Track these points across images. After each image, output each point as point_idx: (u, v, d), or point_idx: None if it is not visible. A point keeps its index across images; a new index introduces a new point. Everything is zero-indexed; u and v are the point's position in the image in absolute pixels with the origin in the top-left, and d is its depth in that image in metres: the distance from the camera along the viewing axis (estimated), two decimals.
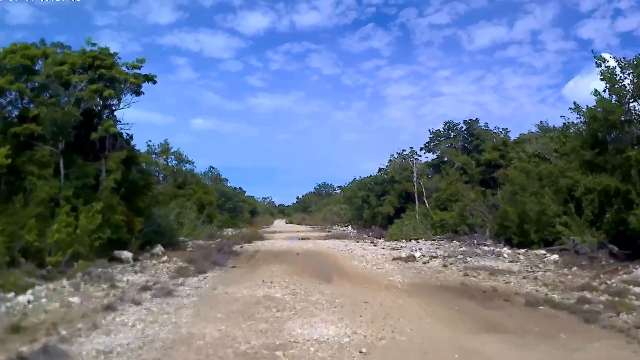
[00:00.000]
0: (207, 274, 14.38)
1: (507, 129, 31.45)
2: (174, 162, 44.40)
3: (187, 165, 44.91)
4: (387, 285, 12.22)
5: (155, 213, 24.87)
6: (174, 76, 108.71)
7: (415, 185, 38.70)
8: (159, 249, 20.24)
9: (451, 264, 16.11)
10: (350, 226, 48.89)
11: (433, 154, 38.98)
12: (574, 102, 20.12)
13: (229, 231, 42.64)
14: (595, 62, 17.98)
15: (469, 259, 17.12)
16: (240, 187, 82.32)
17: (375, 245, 24.38)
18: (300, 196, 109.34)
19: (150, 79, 21.27)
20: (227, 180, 66.28)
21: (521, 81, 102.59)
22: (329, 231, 43.60)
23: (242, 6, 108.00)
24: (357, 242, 27.32)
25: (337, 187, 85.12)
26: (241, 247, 25.60)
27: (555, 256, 16.19)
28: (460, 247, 21.54)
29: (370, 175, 50.49)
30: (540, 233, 19.70)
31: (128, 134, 21.53)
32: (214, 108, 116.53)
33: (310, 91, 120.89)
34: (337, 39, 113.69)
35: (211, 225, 37.75)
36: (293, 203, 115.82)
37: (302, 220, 77.44)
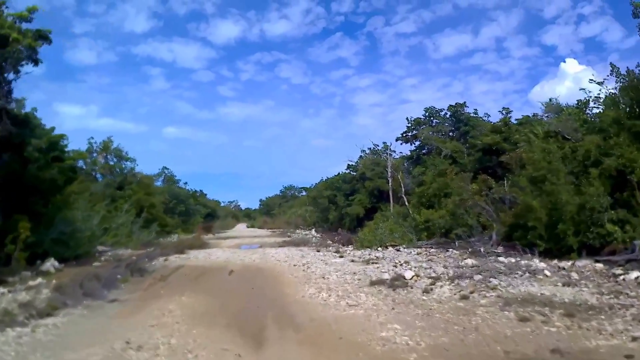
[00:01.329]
0: (45, 320, 8.24)
1: (508, 108, 25.53)
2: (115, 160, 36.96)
3: (128, 163, 37.25)
4: None
5: (66, 217, 18.62)
6: (147, 86, 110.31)
7: (390, 181, 32.45)
8: (50, 264, 15.41)
9: (472, 292, 9.61)
10: (314, 229, 42.25)
11: (411, 144, 32.76)
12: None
13: (175, 237, 35.60)
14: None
15: (493, 280, 10.73)
16: (201, 190, 75.11)
17: (341, 256, 17.75)
18: (264, 199, 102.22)
19: (43, 36, 15.25)
20: (185, 182, 59.21)
21: (487, 87, 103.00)
22: (290, 236, 36.91)
23: (214, 14, 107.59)
24: (318, 251, 20.66)
25: (301, 187, 78.32)
26: (165, 259, 18.89)
27: (636, 273, 9.93)
28: (464, 258, 15.14)
29: (339, 173, 44.02)
30: (582, 236, 13.56)
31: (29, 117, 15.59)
32: (185, 117, 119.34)
33: (279, 100, 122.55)
34: (306, 49, 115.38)
35: (148, 231, 30.50)
36: (259, 207, 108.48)
37: (263, 224, 70.42)
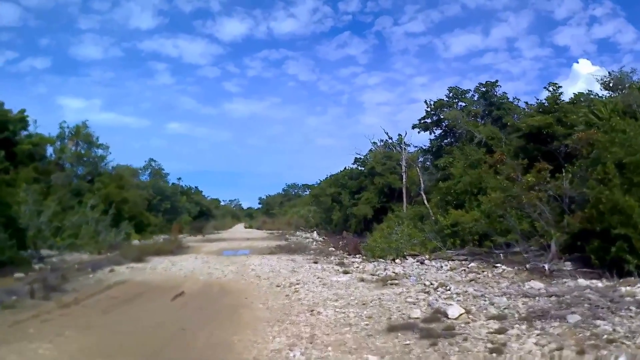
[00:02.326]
0: None
1: (556, 83, 20.38)
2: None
3: (100, 150, 32.16)
4: None
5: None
6: (152, 81, 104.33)
7: (404, 177, 27.60)
8: None
9: (581, 351, 4.76)
10: (315, 232, 37.31)
11: (431, 133, 27.65)
12: None
13: (161, 238, 30.97)
14: None
15: (601, 323, 5.94)
16: (196, 187, 70.52)
17: (346, 272, 12.77)
18: (264, 197, 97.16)
19: None
20: (179, 178, 54.58)
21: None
22: (287, 239, 32.10)
23: (220, 12, 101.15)
24: (316, 262, 15.71)
25: (304, 185, 73.09)
26: (110, 270, 14.11)
27: None
28: (525, 279, 10.25)
29: (345, 168, 39.04)
30: None
31: None
32: (188, 112, 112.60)
33: (286, 97, 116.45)
34: (314, 46, 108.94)
35: (117, 231, 25.67)
36: (259, 208, 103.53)
37: (262, 224, 65.28)
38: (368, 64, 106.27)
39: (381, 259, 16.02)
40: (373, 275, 11.98)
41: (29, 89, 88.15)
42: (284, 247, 23.52)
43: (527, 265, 12.09)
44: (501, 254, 14.48)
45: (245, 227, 67.64)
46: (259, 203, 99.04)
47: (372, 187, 32.15)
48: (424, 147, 29.43)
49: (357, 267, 13.89)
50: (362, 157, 36.09)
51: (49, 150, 28.53)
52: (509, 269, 12.06)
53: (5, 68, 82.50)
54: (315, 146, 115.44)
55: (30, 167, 22.20)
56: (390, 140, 32.94)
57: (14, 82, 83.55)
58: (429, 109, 27.12)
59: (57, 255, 18.43)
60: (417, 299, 8.55)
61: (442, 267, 13.17)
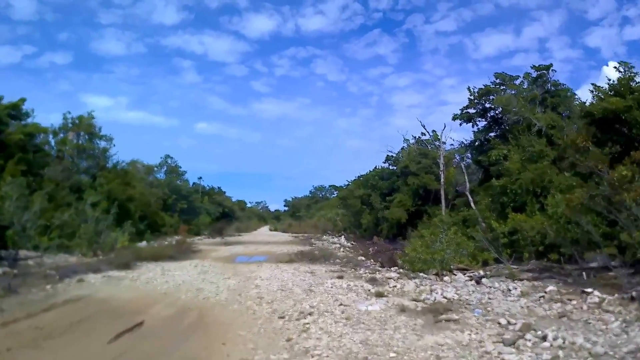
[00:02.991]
0: None
1: (627, 62, 16.61)
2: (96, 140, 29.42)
3: (103, 143, 29.25)
4: None
5: None
6: (179, 79, 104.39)
7: (442, 177, 24.15)
8: None
9: None
10: (343, 236, 33.95)
11: (474, 125, 24.04)
12: None
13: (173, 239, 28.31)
14: None
15: None
16: (219, 187, 68.17)
17: (380, 295, 9.35)
18: (290, 199, 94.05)
19: None
20: (200, 178, 52.21)
21: None
22: (311, 244, 28.97)
23: (247, 8, 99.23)
24: (341, 277, 12.41)
25: (331, 186, 69.51)
26: (79, 280, 11.44)
27: None
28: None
29: (375, 168, 35.54)
30: None
31: None
32: (218, 112, 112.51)
33: (315, 98, 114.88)
34: (343, 45, 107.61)
35: (120, 231, 22.90)
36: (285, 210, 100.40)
37: (288, 227, 62.26)
38: (398, 64, 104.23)
39: (422, 273, 12.69)
40: (417, 301, 8.66)
41: (51, 86, 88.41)
42: (307, 253, 20.34)
43: (633, 293, 8.57)
44: (584, 272, 10.96)
45: (270, 230, 64.82)
46: (285, 205, 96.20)
47: (405, 188, 28.72)
48: (466, 143, 25.83)
49: (394, 286, 10.55)
50: (395, 154, 32.70)
51: (52, 142, 26.18)
52: (609, 297, 8.55)
53: (23, 63, 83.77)
54: (344, 148, 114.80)
55: (16, 157, 19.60)
56: (425, 137, 29.50)
57: (35, 78, 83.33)
58: (472, 97, 23.48)
59: (38, 257, 15.84)
60: (493, 354, 5.25)
61: (509, 289, 9.71)
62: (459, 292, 9.44)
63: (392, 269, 13.94)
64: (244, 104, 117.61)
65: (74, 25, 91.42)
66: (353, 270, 14.04)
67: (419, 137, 29.92)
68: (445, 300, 8.65)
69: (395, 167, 32.38)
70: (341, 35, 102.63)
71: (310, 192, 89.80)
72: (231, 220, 64.64)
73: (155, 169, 39.83)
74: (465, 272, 13.18)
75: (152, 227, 31.16)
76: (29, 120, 23.26)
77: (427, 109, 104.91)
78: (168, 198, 35.27)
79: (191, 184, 44.93)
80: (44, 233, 17.88)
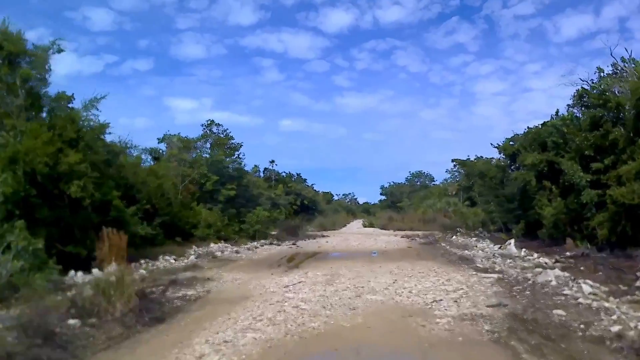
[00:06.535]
0: None
1: None
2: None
3: None
4: None
5: None
6: (260, 78, 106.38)
7: None
8: None
9: None
10: (513, 241, 18.64)
11: None
12: None
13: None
14: None
15: None
16: (298, 174, 55.94)
17: None
18: (386, 186, 79.62)
19: None
20: (272, 161, 39.51)
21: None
22: (445, 254, 14.74)
23: (324, 3, 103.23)
24: None
25: (453, 160, 50.89)
26: None
27: None
28: None
29: (556, 115, 20.35)
30: None
31: None
32: (302, 109, 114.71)
33: (398, 90, 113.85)
34: (422, 35, 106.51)
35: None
36: (380, 201, 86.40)
37: (388, 222, 47.38)
38: (478, 51, 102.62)
39: None
40: None
41: (135, 91, 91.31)
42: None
43: None
44: None
45: (364, 226, 50.61)
46: (381, 194, 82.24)
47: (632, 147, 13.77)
48: None
49: None
50: (595, 83, 17.57)
51: None
52: None
53: (106, 72, 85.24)
54: (432, 140, 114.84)
55: None
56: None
57: (118, 85, 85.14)
58: None
59: None
60: None
61: None
62: None
63: None
64: (327, 99, 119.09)
65: (153, 32, 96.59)
66: None
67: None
68: None
69: (597, 106, 17.15)
70: (420, 25, 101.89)
71: (407, 179, 75.30)
72: (313, 214, 51.78)
73: (199, 143, 27.49)
74: None
75: (172, 228, 18.74)
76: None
77: (512, 96, 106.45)
78: (206, 182, 22.51)
79: (249, 167, 31.80)
80: None
